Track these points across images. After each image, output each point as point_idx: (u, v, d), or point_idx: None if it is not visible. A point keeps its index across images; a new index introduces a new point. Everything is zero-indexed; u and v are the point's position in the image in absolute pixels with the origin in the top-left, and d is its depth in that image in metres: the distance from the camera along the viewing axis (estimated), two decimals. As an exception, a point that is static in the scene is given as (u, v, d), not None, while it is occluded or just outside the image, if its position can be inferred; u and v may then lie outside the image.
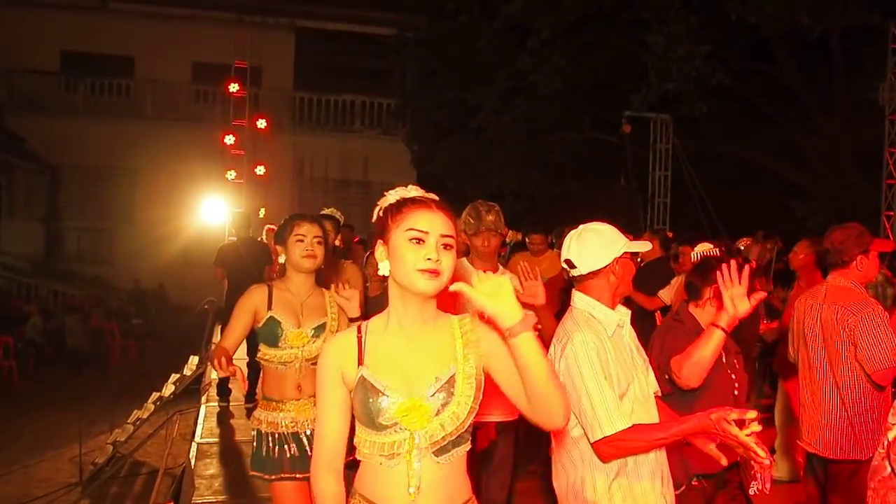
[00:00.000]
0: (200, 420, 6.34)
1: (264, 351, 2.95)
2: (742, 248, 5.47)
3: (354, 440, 1.74)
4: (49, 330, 13.30)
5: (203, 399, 7.02)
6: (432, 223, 1.69)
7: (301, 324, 2.96)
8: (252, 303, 2.95)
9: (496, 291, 1.54)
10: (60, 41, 17.63)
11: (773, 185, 14.72)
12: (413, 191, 1.78)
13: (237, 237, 7.29)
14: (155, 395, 8.19)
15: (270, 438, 2.92)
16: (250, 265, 6.46)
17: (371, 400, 1.67)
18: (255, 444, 2.98)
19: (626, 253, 2.27)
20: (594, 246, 2.23)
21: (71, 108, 17.51)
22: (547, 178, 14.95)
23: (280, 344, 2.92)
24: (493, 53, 14.09)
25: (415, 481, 1.66)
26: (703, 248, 2.85)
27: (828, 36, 12.65)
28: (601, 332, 2.18)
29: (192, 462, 5.19)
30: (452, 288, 1.57)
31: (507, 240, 8.99)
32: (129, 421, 7.82)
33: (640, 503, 2.14)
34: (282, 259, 3.02)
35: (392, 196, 1.77)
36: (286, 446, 2.92)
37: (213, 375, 7.20)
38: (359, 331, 1.76)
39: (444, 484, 1.69)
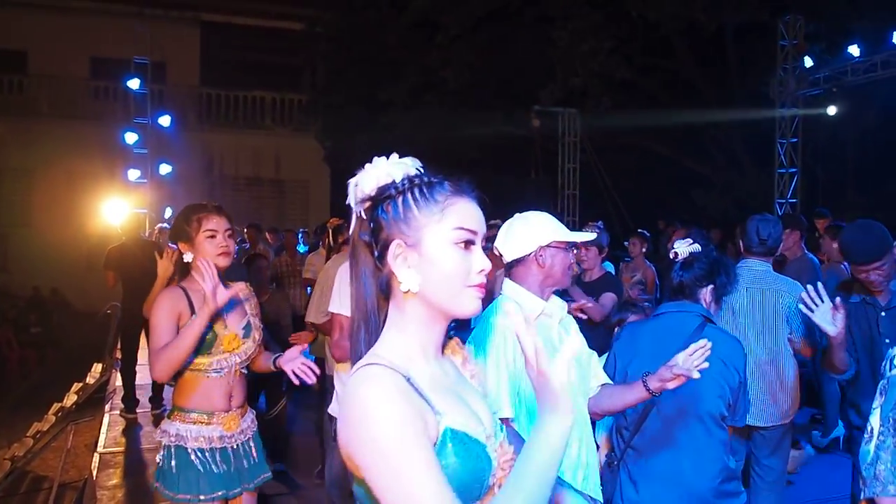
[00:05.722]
0: (104, 430, 6.12)
1: (195, 361, 2.65)
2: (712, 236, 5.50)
3: None
4: (-62, 342, 12.51)
5: (107, 408, 6.76)
6: (480, 220, 1.22)
7: (227, 325, 2.71)
8: (175, 308, 2.63)
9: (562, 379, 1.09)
10: (-57, 34, 16.56)
11: (676, 175, 15.34)
12: (410, 163, 1.27)
13: (127, 238, 6.99)
14: (56, 406, 7.82)
15: (194, 455, 2.63)
16: (148, 266, 6.23)
17: (476, 458, 1.13)
18: (162, 460, 2.66)
19: (556, 243, 2.21)
20: (518, 234, 2.24)
21: (-43, 105, 16.45)
22: (459, 173, 15.07)
23: (213, 350, 2.66)
24: (403, 49, 14.10)
25: None
26: (683, 245, 2.70)
27: (723, 33, 13.26)
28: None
29: (94, 473, 5.02)
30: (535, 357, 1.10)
31: None
32: (28, 434, 7.45)
33: None
34: (187, 258, 2.69)
35: (389, 169, 1.25)
36: (212, 465, 2.64)
37: (118, 383, 6.94)
38: (386, 366, 1.13)
39: None
